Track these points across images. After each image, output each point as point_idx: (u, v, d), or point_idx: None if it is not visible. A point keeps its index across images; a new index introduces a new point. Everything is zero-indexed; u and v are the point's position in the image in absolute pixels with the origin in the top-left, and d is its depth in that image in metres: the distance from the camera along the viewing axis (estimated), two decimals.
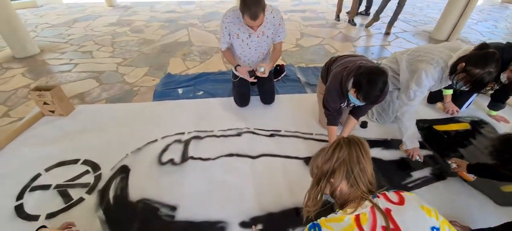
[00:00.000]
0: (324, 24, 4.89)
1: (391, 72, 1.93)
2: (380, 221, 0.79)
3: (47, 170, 1.74)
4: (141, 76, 2.93)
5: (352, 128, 1.85)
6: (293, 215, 1.48)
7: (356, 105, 1.71)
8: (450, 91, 2.27)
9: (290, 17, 5.19)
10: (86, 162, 1.80)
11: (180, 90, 2.64)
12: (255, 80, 2.12)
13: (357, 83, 1.43)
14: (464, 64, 1.48)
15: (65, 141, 1.98)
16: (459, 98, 2.29)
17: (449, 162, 1.66)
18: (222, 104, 2.43)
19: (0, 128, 2.16)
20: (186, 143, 1.99)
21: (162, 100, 2.49)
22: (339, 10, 4.90)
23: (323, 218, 0.87)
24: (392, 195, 0.87)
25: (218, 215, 1.47)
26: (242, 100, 2.35)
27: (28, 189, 1.61)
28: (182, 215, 1.48)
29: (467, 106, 2.33)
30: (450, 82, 1.65)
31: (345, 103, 1.73)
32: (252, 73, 2.06)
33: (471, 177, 1.59)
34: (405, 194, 0.86)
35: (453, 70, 1.55)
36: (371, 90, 1.35)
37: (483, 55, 1.45)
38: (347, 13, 4.97)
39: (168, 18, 4.98)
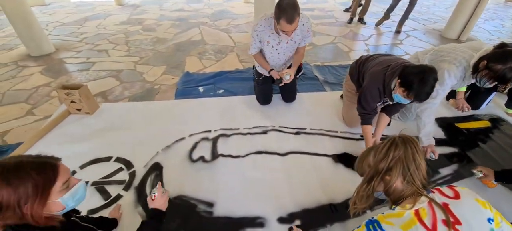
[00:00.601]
0: (334, 22, 4.92)
1: None
2: (440, 215, 0.82)
3: (81, 167, 1.76)
4: (160, 75, 2.95)
5: (385, 126, 1.87)
6: (329, 211, 1.51)
7: (390, 104, 1.74)
8: (463, 89, 2.30)
9: None
10: (118, 160, 1.82)
11: (201, 89, 2.67)
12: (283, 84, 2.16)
13: (407, 83, 1.43)
14: (485, 62, 1.53)
15: (95, 138, 2.00)
16: (479, 97, 2.32)
17: (475, 171, 1.63)
18: (244, 103, 2.45)
19: (26, 126, 2.18)
20: (214, 141, 2.01)
21: (184, 98, 2.52)
22: (353, 14, 4.88)
23: (380, 215, 0.91)
24: (446, 189, 0.90)
25: (255, 211, 1.50)
26: (265, 99, 2.38)
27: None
28: (220, 211, 1.51)
29: (486, 105, 2.36)
30: (472, 81, 1.69)
31: (383, 102, 1.75)
32: (279, 80, 2.13)
33: (495, 183, 1.61)
34: (459, 188, 0.90)
35: (476, 69, 1.60)
36: (423, 89, 1.37)
37: (503, 52, 1.53)
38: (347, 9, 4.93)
39: (178, 17, 4.99)
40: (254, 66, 2.73)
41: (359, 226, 0.95)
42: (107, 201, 1.54)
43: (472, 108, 2.31)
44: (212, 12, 5.35)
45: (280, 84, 2.17)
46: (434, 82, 1.37)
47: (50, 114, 2.29)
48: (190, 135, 2.06)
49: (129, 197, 1.57)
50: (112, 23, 4.60)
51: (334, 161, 1.85)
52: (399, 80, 1.48)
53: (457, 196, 0.87)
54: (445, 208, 0.83)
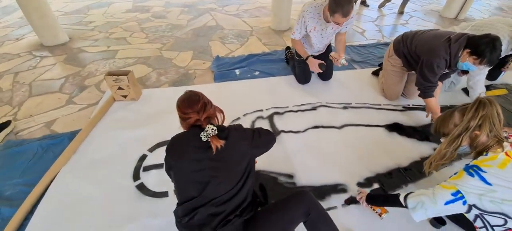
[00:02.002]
0: None
1: None
2: None
3: (150, 150, 1.76)
4: (189, 60, 2.92)
5: (439, 93, 2.01)
6: (399, 174, 1.64)
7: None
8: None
9: None
10: None
11: (237, 71, 2.68)
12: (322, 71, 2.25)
13: (479, 51, 1.56)
14: None
15: (151, 123, 1.99)
16: (495, 70, 2.52)
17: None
18: (285, 82, 2.51)
19: (73, 114, 2.11)
20: (270, 118, 2.07)
21: (223, 81, 2.53)
22: None
23: (475, 161, 1.05)
24: None
25: (334, 178, 1.60)
26: (306, 78, 2.45)
27: (141, 170, 1.64)
28: (301, 181, 1.59)
29: (500, 77, 2.58)
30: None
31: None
32: (322, 65, 2.20)
33: None
34: None
35: None
36: (494, 54, 1.51)
37: None
38: None
39: (184, 3, 4.85)
40: (288, 48, 2.78)
41: (456, 173, 1.07)
42: None
43: (489, 80, 2.52)
44: None
45: (322, 70, 2.23)
46: (501, 47, 1.51)
47: (92, 102, 2.24)
48: (244, 115, 2.10)
49: None
50: (118, 11, 4.40)
51: (388, 130, 1.97)
52: (468, 50, 1.60)
53: None
54: None
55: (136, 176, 1.60)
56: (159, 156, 1.73)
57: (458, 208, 1.02)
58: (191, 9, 4.59)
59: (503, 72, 2.54)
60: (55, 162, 1.61)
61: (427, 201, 1.07)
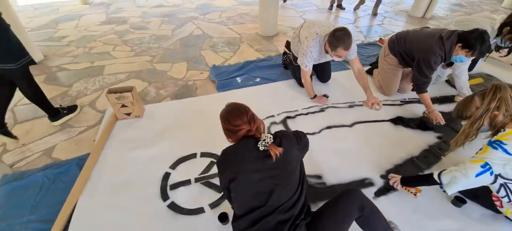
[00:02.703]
0: (317, 9, 5.25)
1: None
2: None
3: (172, 167, 1.69)
4: (185, 71, 2.84)
5: None
6: (413, 162, 1.78)
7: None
8: None
9: (282, 4, 5.40)
10: (204, 155, 1.79)
11: (238, 79, 2.67)
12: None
13: (469, 45, 1.78)
14: (508, 28, 1.96)
15: (165, 138, 1.90)
16: (473, 62, 2.83)
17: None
18: (288, 87, 2.57)
19: (73, 139, 1.93)
20: (283, 123, 2.10)
21: (227, 90, 2.50)
22: (333, 0, 5.26)
23: (496, 137, 1.22)
24: None
25: (360, 174, 1.69)
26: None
27: (168, 188, 1.56)
28: (330, 180, 1.64)
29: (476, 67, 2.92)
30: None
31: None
32: (326, 95, 2.37)
33: None
34: None
35: (499, 33, 2.03)
36: (484, 46, 1.72)
37: None
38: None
39: (162, 13, 4.70)
40: (285, 53, 2.85)
41: (481, 149, 1.24)
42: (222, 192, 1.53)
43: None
44: (195, 6, 5.17)
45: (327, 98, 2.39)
46: (489, 40, 1.72)
47: (91, 124, 2.07)
48: None
49: None
50: (92, 23, 4.12)
51: (393, 124, 2.12)
52: (460, 44, 1.81)
53: None
54: None
55: (164, 196, 1.52)
56: (183, 172, 1.66)
57: (486, 179, 1.18)
58: (171, 18, 4.46)
59: (477, 64, 2.87)
60: (71, 192, 1.47)
61: (459, 175, 1.22)
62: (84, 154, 1.77)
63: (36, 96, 1.91)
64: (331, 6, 5.26)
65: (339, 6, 5.30)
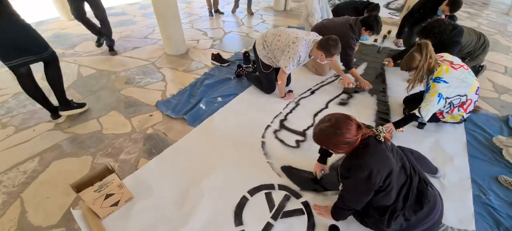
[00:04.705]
0: (200, 18, 5.21)
1: None
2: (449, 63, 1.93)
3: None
4: (128, 121, 2.19)
5: None
6: (384, 118, 2.33)
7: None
8: None
9: None
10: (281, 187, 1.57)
11: (202, 106, 2.37)
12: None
13: (369, 26, 2.46)
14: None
15: (179, 205, 1.48)
16: None
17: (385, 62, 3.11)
18: (254, 96, 2.57)
19: None
20: (283, 127, 2.15)
21: (200, 122, 2.18)
22: (210, 6, 5.35)
23: (435, 75, 1.86)
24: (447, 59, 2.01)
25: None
26: (273, 86, 2.58)
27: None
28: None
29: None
30: None
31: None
32: (291, 91, 2.60)
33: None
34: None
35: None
36: (380, 25, 2.45)
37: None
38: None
39: None
40: (253, 63, 2.83)
41: (430, 87, 1.87)
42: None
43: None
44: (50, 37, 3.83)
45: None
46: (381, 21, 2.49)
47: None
48: (263, 136, 2.03)
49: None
50: None
51: (349, 94, 2.63)
52: (363, 28, 2.51)
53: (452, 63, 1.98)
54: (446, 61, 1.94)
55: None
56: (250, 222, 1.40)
57: (441, 102, 1.83)
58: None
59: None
60: None
61: (429, 107, 1.83)
62: None
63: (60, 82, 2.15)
64: (210, 12, 5.40)
65: (217, 11, 5.52)
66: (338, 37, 2.42)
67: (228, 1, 6.26)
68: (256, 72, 2.84)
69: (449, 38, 2.31)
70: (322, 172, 1.66)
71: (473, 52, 2.57)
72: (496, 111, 2.50)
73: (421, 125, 2.15)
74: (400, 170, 1.16)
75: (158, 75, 2.96)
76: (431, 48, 1.89)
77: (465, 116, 2.04)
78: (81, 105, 2.29)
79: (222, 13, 5.50)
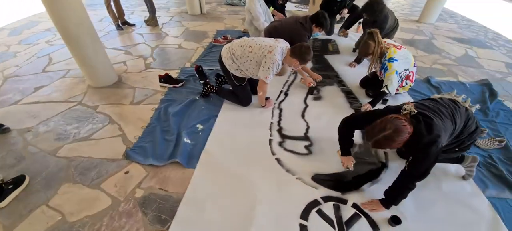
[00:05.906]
0: (109, 34, 4.33)
1: None
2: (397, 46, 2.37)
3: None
4: (104, 183, 1.61)
5: None
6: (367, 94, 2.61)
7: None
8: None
9: None
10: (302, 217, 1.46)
11: (186, 140, 2.00)
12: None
13: (319, 22, 2.70)
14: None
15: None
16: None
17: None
18: (235, 112, 2.37)
19: None
20: (283, 137, 2.10)
21: (195, 159, 1.85)
22: (115, 20, 4.48)
23: (388, 56, 2.26)
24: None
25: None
26: (250, 98, 2.45)
27: None
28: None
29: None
30: None
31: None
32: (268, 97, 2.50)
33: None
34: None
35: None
36: (330, 23, 2.75)
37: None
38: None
39: None
40: (224, 78, 2.62)
41: (387, 66, 2.26)
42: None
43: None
44: None
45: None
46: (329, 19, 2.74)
47: None
48: (272, 152, 1.92)
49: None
50: None
51: (316, 89, 2.78)
52: (314, 25, 2.73)
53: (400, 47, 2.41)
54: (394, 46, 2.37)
55: None
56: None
57: (397, 77, 2.24)
58: None
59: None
60: None
61: (393, 83, 2.22)
62: None
63: None
64: (118, 25, 4.57)
65: (126, 23, 4.70)
66: (293, 36, 2.55)
67: (129, 10, 5.44)
68: (223, 85, 2.66)
69: (384, 16, 2.88)
70: (353, 162, 1.72)
71: (391, 31, 3.20)
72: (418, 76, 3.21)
73: (385, 101, 2.52)
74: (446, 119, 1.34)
75: (100, 117, 2.29)
76: (379, 35, 2.24)
77: (413, 85, 2.54)
78: (19, 180, 1.62)
79: (133, 24, 4.74)
